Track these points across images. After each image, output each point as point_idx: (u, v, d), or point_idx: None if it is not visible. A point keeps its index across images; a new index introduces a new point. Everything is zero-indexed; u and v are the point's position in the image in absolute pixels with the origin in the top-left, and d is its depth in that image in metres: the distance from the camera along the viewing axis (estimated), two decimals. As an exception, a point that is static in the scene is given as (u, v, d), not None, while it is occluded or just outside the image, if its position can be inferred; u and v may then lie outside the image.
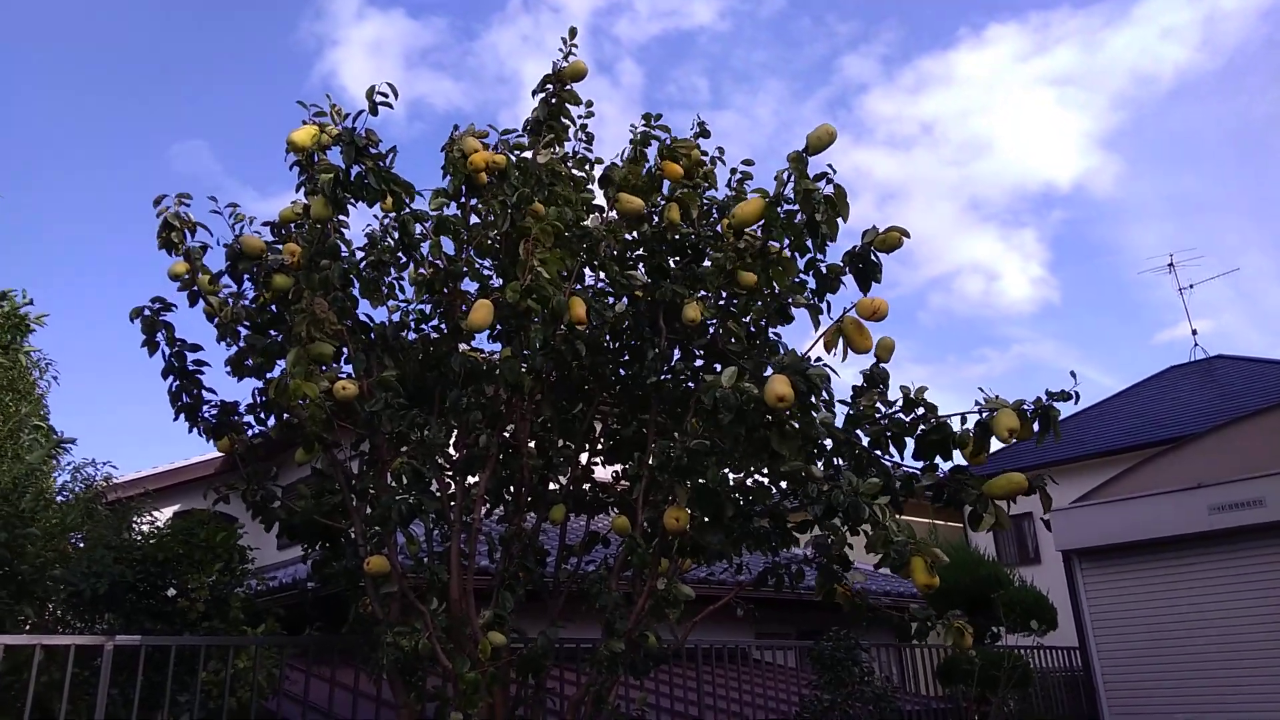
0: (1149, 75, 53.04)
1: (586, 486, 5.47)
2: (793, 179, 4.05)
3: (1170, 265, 19.91)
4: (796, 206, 4.09)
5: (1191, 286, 22.08)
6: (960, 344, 67.87)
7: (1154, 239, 57.61)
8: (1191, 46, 52.38)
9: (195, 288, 4.81)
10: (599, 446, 5.47)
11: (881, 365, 4.33)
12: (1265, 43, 49.08)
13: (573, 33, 4.98)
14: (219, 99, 53.36)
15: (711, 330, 4.76)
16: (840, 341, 4.13)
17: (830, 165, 4.00)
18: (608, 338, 4.93)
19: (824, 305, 4.36)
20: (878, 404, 4.23)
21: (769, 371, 3.86)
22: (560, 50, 5.01)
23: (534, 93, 5.11)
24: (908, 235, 4.05)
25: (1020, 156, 59.85)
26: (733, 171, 5.12)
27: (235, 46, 50.82)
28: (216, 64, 51.01)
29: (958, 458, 4.18)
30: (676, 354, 4.84)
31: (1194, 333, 20.00)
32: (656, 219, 4.99)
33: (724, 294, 4.63)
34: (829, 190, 4.00)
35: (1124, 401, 19.03)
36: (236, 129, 59.24)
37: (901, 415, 4.20)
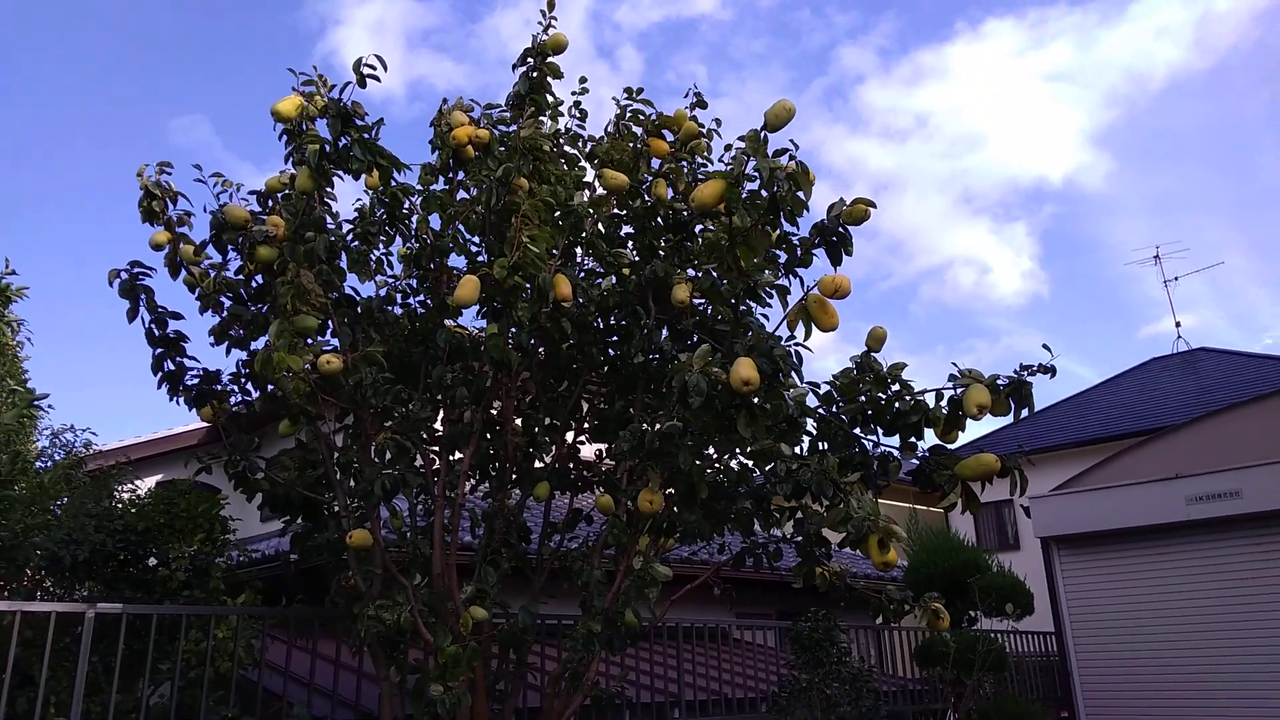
0: (1142, 74, 53.10)
1: (571, 465, 5.48)
2: (753, 158, 3.90)
3: (1156, 258, 20.08)
4: (759, 185, 3.96)
5: (1176, 279, 22.32)
6: (950, 335, 68.20)
7: (1139, 236, 57.85)
8: (1184, 46, 52.48)
9: (178, 258, 4.75)
10: (585, 425, 5.47)
11: (873, 355, 4.21)
12: (1256, 45, 49.21)
13: (551, 4, 4.88)
14: (221, 75, 52.71)
15: (700, 309, 4.73)
16: (805, 319, 3.99)
17: (792, 141, 3.89)
18: (596, 317, 4.91)
19: (796, 281, 4.27)
20: (857, 384, 4.19)
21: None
22: (540, 23, 4.90)
23: (514, 66, 5.03)
24: (874, 206, 3.97)
25: (1013, 151, 59.94)
26: (727, 148, 5.00)
27: (238, 23, 50.12)
28: (219, 40, 50.30)
29: (931, 436, 4.10)
30: (664, 334, 4.83)
31: (1177, 324, 20.28)
32: (647, 197, 4.96)
33: (714, 273, 4.59)
34: (791, 165, 3.87)
35: (1105, 392, 19.16)
36: (236, 105, 58.57)
37: (878, 393, 4.12)
